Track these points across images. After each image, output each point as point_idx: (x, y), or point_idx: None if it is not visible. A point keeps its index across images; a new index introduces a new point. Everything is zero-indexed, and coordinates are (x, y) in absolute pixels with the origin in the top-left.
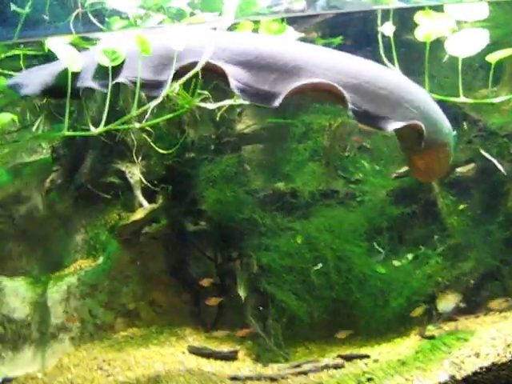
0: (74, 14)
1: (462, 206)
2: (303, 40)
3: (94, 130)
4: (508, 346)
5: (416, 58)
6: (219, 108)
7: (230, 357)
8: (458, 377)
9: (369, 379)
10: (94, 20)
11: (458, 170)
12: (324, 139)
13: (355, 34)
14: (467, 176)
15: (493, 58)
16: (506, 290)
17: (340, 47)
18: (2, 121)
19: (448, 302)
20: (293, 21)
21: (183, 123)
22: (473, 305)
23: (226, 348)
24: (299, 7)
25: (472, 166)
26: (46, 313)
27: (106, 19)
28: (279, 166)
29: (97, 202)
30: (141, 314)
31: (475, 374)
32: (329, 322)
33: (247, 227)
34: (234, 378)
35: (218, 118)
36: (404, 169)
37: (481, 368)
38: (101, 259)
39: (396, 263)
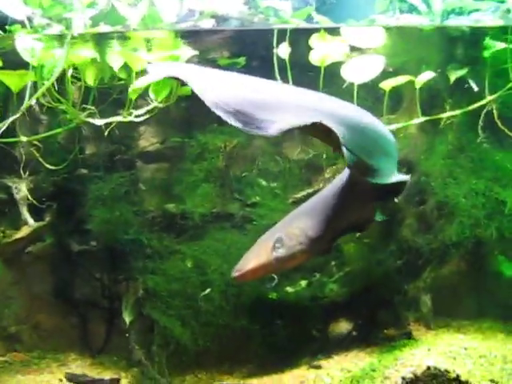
0: None
1: (358, 234)
2: (204, 59)
3: None
4: (386, 378)
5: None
6: (110, 124)
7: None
8: None
9: None
10: None
11: None
12: (219, 160)
13: (260, 54)
14: None
15: (387, 84)
16: (399, 319)
17: (244, 67)
18: None
19: (341, 329)
20: (195, 39)
21: (78, 139)
22: (365, 333)
23: (108, 375)
24: (207, 25)
25: None
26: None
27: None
28: (172, 186)
29: None
30: (22, 337)
31: None
32: (218, 349)
33: (133, 249)
34: None
35: (114, 135)
36: (302, 193)
37: None
38: None
39: (289, 289)
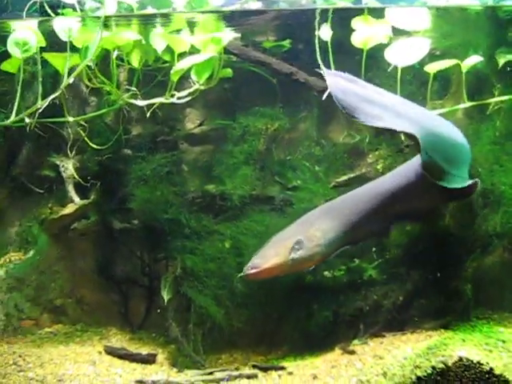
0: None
1: None
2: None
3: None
4: (416, 367)
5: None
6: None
7: (148, 360)
8: None
9: None
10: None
11: None
12: (260, 143)
13: (306, 37)
14: None
15: (432, 68)
16: (436, 309)
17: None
18: None
19: (377, 317)
20: (240, 22)
21: (123, 120)
22: (402, 322)
23: (146, 351)
24: (254, 7)
25: None
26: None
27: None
28: (213, 168)
29: (32, 195)
30: (67, 310)
31: None
32: (253, 330)
33: (172, 228)
34: (139, 382)
35: (159, 116)
36: (343, 178)
37: None
38: (31, 253)
39: (327, 274)
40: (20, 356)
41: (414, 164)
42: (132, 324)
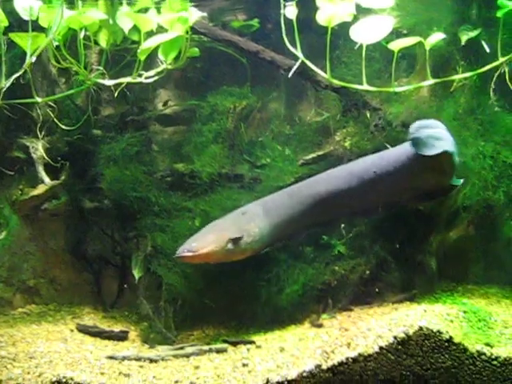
0: None
1: None
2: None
3: None
4: (378, 336)
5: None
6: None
7: (120, 337)
8: (324, 366)
9: (244, 364)
10: None
11: None
12: (228, 121)
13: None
14: None
15: (395, 46)
16: (402, 282)
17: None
18: None
19: (345, 291)
20: (206, 2)
21: (94, 101)
22: (369, 296)
23: (119, 329)
24: None
25: None
26: None
27: None
28: (182, 147)
29: (2, 177)
30: (41, 291)
31: (341, 364)
32: (224, 306)
33: (142, 207)
34: (110, 357)
35: (130, 97)
36: (311, 155)
37: (347, 358)
38: (3, 234)
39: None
40: None
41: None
42: (105, 303)
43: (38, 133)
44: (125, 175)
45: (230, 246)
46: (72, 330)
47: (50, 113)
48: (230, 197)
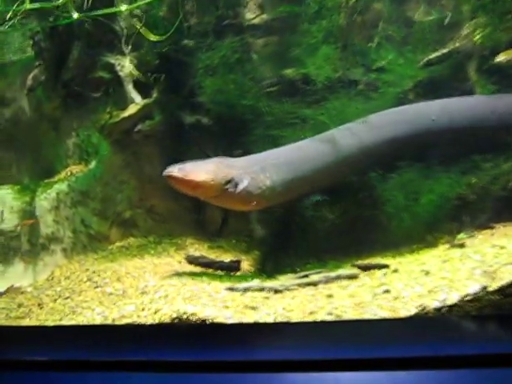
0: None
1: None
2: None
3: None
4: None
5: None
6: None
7: (232, 267)
8: (492, 287)
9: (386, 291)
10: None
11: (498, 57)
12: (340, 18)
13: None
14: (508, 63)
15: None
16: None
17: None
18: None
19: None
20: None
21: (180, 8)
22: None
23: (228, 258)
24: None
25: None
26: (35, 223)
27: None
28: (288, 51)
29: (87, 101)
30: (138, 222)
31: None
32: (346, 229)
33: (252, 118)
34: (230, 289)
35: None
36: (435, 54)
37: None
38: (92, 164)
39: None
40: (94, 272)
41: None
42: (209, 232)
43: (124, 47)
44: (228, 85)
45: (229, 187)
46: (180, 262)
47: (137, 23)
48: (348, 105)
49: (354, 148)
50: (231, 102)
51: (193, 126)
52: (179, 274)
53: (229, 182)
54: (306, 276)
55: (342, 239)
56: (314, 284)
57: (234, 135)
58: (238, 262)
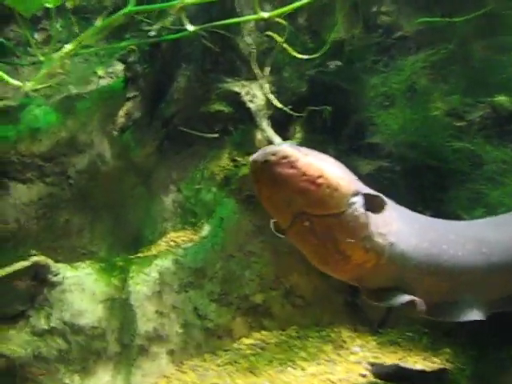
0: None
1: None
2: None
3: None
4: None
5: None
6: None
7: (439, 379)
8: None
9: None
10: None
11: None
12: None
13: None
14: None
15: None
16: None
17: None
18: None
19: None
20: None
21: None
22: None
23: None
24: None
25: None
26: (128, 315)
27: None
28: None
29: (194, 143)
30: (272, 309)
31: None
32: None
33: (458, 167)
34: None
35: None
36: None
37: None
38: (206, 230)
39: None
40: None
41: None
42: (368, 320)
43: (254, 69)
44: (415, 119)
45: (356, 202)
46: (363, 376)
47: (276, 36)
48: None
49: None
50: (430, 145)
51: (371, 177)
52: None
53: (355, 195)
54: None
55: None
56: None
57: (429, 190)
58: (445, 370)
